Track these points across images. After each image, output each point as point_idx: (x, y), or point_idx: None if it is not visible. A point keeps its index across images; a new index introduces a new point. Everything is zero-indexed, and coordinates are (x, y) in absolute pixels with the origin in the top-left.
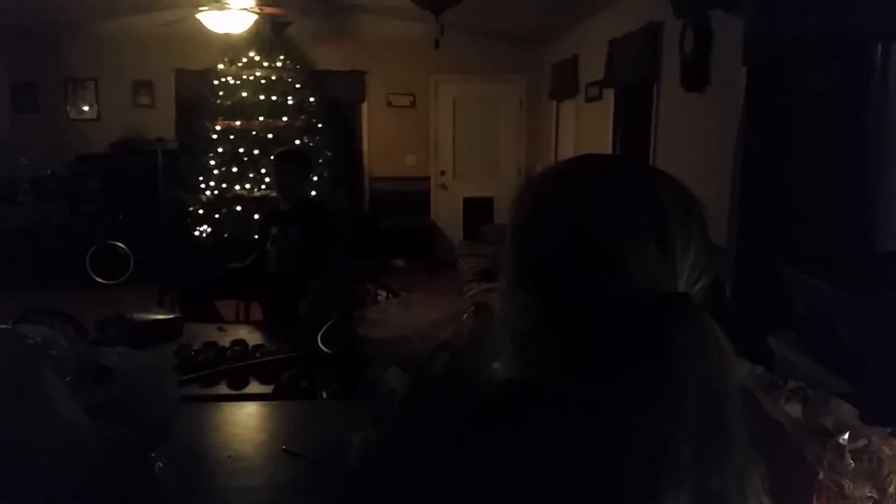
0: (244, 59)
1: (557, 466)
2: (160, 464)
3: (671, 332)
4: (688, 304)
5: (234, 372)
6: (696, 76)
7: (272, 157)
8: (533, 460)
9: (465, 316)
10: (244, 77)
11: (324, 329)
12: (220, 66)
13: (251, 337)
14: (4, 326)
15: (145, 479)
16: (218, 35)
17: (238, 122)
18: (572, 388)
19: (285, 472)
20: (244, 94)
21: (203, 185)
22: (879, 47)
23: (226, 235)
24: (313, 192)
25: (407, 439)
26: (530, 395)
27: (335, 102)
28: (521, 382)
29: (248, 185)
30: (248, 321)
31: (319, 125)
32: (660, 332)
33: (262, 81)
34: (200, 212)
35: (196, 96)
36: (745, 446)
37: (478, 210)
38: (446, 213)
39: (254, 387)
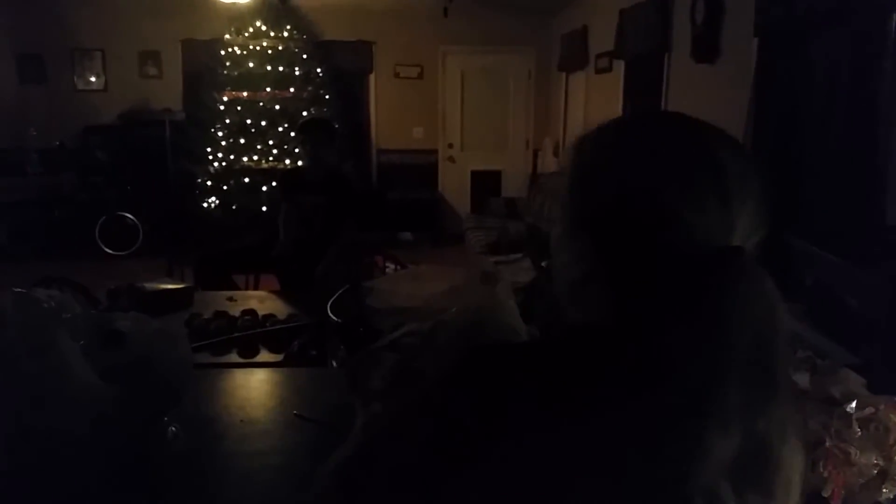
0: (251, 29)
1: (609, 409)
2: (173, 428)
3: (726, 284)
4: (743, 256)
5: (245, 340)
6: (706, 47)
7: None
8: (586, 402)
9: (470, 285)
10: (251, 47)
11: (333, 298)
12: (227, 37)
13: (261, 307)
14: (20, 290)
15: (158, 442)
16: (224, 4)
17: (245, 93)
18: (624, 333)
19: (296, 436)
20: (251, 65)
21: (211, 157)
22: (894, 17)
23: (234, 207)
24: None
25: (468, 373)
26: (584, 338)
27: (342, 73)
28: (576, 326)
29: (255, 157)
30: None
31: (327, 96)
32: (715, 283)
33: (269, 52)
34: (209, 183)
35: (203, 67)
36: (789, 394)
37: (485, 183)
38: (454, 185)
39: (264, 355)
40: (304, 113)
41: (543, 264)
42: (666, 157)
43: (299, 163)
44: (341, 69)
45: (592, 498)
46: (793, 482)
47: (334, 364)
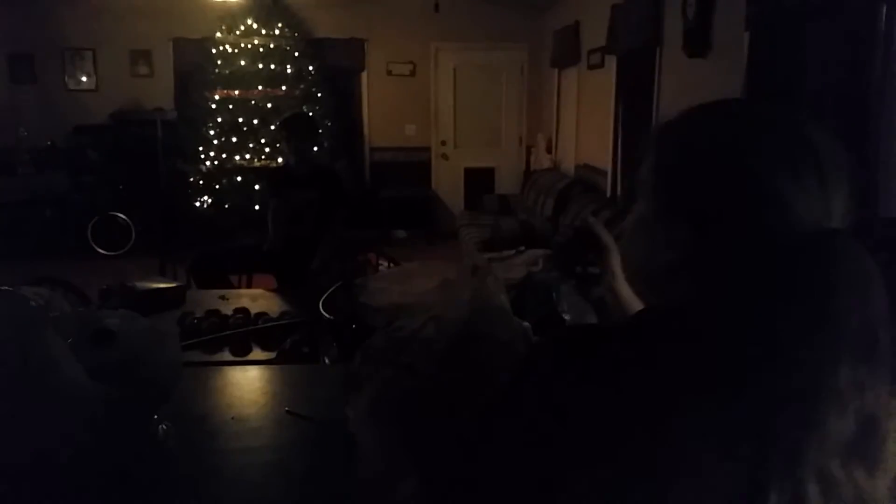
0: (242, 28)
1: (721, 394)
2: (164, 426)
3: (833, 264)
4: (849, 238)
5: (237, 338)
6: (698, 42)
7: (280, 122)
8: (697, 388)
9: (461, 279)
10: (242, 45)
11: (325, 296)
12: (218, 35)
13: (254, 305)
14: (6, 288)
15: (148, 440)
16: (215, 3)
17: (237, 92)
18: (727, 317)
19: (288, 433)
20: (242, 63)
21: (203, 156)
22: (884, 10)
23: (226, 206)
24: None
25: (549, 358)
26: (672, 322)
27: (334, 71)
28: (661, 310)
29: (247, 156)
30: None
31: (319, 94)
32: (822, 263)
33: (261, 50)
34: (200, 182)
35: (194, 66)
36: (891, 368)
37: (479, 180)
38: (447, 183)
39: (256, 353)
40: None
41: (578, 269)
42: (765, 138)
43: (280, 160)
44: (333, 67)
45: (705, 479)
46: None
47: (326, 361)
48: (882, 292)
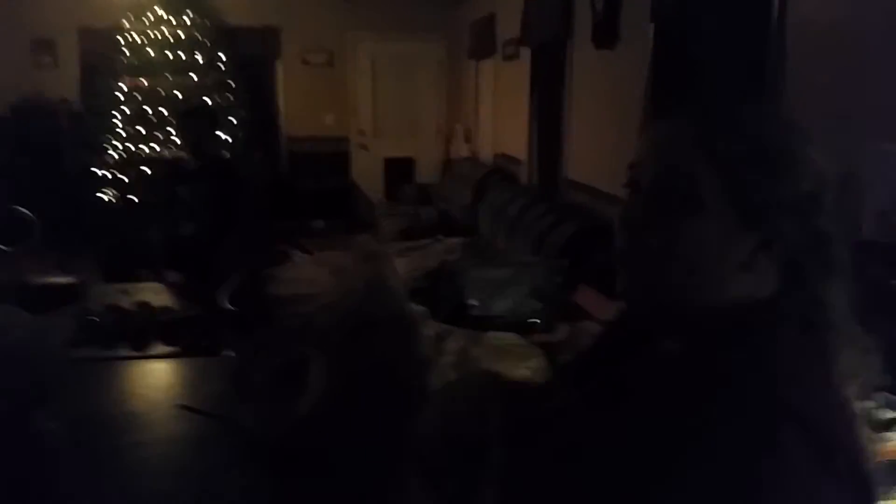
0: (150, 15)
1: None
2: (48, 423)
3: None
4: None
5: (137, 333)
6: (606, 33)
7: (179, 115)
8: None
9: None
10: (150, 34)
11: (227, 287)
12: (126, 23)
13: (156, 299)
14: None
15: (29, 438)
16: None
17: (145, 81)
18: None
19: (180, 427)
20: (151, 52)
21: (110, 148)
22: (776, 2)
23: (135, 199)
24: (227, 154)
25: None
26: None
27: (248, 60)
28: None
29: (156, 147)
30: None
31: (232, 83)
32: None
33: (171, 39)
34: (108, 175)
35: (100, 55)
36: None
37: (399, 170)
38: (367, 173)
39: (158, 348)
40: (208, 101)
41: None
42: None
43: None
44: (247, 56)
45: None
46: None
47: (228, 354)
48: None
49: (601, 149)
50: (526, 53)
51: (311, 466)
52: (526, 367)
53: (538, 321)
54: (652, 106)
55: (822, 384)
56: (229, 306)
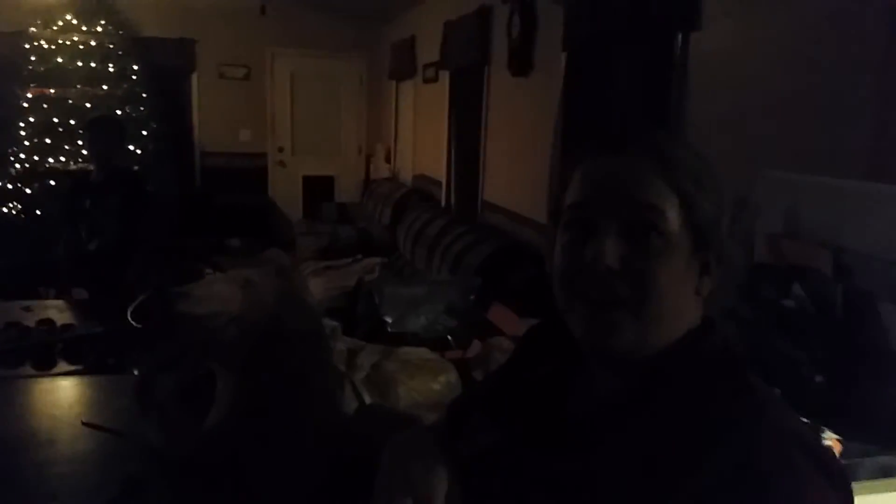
0: (60, 23)
1: None
2: None
3: None
4: None
5: (39, 351)
6: (521, 61)
7: (85, 125)
8: None
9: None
10: (60, 41)
11: (135, 304)
12: (33, 30)
13: (60, 317)
14: None
15: None
16: None
17: (52, 90)
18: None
19: (84, 445)
20: (60, 60)
21: (13, 158)
22: (680, 36)
23: (39, 212)
24: (136, 168)
25: None
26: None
27: (162, 72)
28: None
29: (63, 158)
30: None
31: (144, 95)
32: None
33: (81, 47)
34: (9, 187)
35: (5, 61)
36: None
37: (318, 188)
38: (285, 190)
39: (62, 366)
40: (119, 112)
41: None
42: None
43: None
44: (161, 67)
45: None
46: None
47: (134, 372)
48: None
49: (517, 173)
50: (444, 77)
51: (220, 481)
52: (438, 382)
53: (452, 338)
54: (564, 134)
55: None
56: (135, 323)
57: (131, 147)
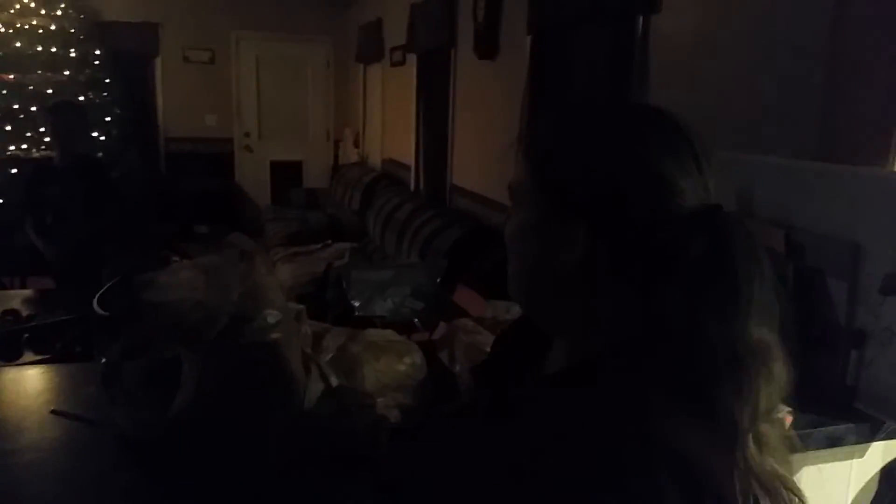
0: (17, 6)
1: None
2: None
3: (729, 234)
4: (732, 213)
5: (5, 342)
6: (487, 44)
7: (46, 109)
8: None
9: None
10: (18, 25)
11: (101, 292)
12: None
13: (25, 307)
14: None
15: None
16: None
17: (12, 76)
18: (641, 299)
19: (52, 432)
20: (18, 45)
21: None
22: (640, 19)
23: (1, 201)
24: (100, 154)
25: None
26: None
27: (125, 56)
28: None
29: (24, 146)
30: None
31: (107, 80)
32: (719, 234)
33: (40, 31)
34: None
35: None
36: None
37: (286, 173)
38: (252, 176)
39: (28, 356)
40: (81, 98)
41: None
42: (646, 128)
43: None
44: (124, 52)
45: None
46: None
47: (102, 360)
48: (766, 256)
49: (484, 156)
50: (412, 60)
51: (188, 466)
52: (403, 363)
53: (418, 320)
54: (530, 118)
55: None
56: (100, 311)
57: (95, 133)
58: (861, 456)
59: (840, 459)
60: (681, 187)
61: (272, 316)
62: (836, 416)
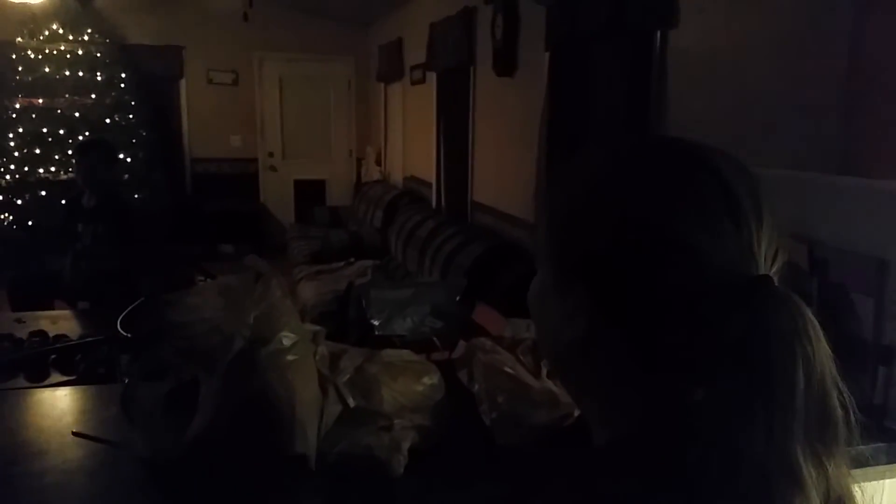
0: (46, 32)
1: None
2: None
3: (765, 318)
4: (775, 285)
5: (31, 363)
6: (505, 61)
7: (75, 148)
8: None
9: (244, 285)
10: (47, 51)
11: (124, 314)
12: (20, 40)
13: (53, 327)
14: None
15: None
16: (15, 4)
17: (41, 100)
18: (650, 389)
19: (74, 454)
20: (47, 70)
21: (2, 169)
22: (658, 34)
23: (30, 223)
24: (126, 176)
25: None
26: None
27: (150, 79)
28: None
29: (53, 168)
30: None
31: (133, 103)
32: (753, 317)
33: (68, 56)
34: (0, 198)
35: None
36: (845, 432)
37: (310, 192)
38: (276, 195)
39: (55, 377)
40: (108, 120)
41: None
42: (664, 180)
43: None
44: (149, 74)
45: None
46: None
47: (125, 380)
48: (825, 348)
49: (504, 172)
50: (431, 78)
51: (206, 487)
52: (421, 384)
53: (437, 339)
54: (549, 133)
55: None
56: (123, 332)
57: (121, 155)
58: (893, 476)
59: (870, 480)
60: (704, 250)
61: (288, 338)
62: (865, 435)
